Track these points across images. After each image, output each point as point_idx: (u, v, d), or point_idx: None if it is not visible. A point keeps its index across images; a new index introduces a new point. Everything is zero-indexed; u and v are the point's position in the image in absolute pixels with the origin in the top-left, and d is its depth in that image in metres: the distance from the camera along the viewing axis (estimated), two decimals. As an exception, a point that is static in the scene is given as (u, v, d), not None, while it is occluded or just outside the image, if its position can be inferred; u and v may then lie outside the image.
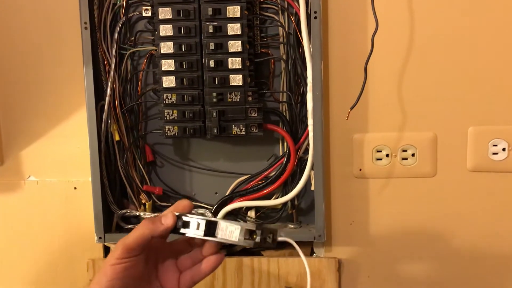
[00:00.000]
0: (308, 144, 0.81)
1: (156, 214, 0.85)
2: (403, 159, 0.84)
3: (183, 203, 0.62)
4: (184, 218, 0.59)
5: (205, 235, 0.58)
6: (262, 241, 0.56)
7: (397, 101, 0.83)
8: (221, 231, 0.58)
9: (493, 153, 0.82)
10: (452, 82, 0.82)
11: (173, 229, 0.60)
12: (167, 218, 0.60)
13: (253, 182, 0.85)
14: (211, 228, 0.58)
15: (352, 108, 0.76)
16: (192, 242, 0.64)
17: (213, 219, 0.59)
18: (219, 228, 0.58)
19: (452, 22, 0.81)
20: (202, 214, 0.59)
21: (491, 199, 0.83)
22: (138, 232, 0.59)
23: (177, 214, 0.60)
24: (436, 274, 0.86)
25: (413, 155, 0.84)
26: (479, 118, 0.82)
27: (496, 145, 0.82)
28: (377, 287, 0.88)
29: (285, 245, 0.87)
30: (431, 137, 0.83)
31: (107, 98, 0.82)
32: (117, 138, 0.83)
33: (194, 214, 0.60)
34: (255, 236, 0.56)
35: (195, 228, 0.59)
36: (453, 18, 0.81)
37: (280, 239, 0.59)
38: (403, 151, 0.84)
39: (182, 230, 0.59)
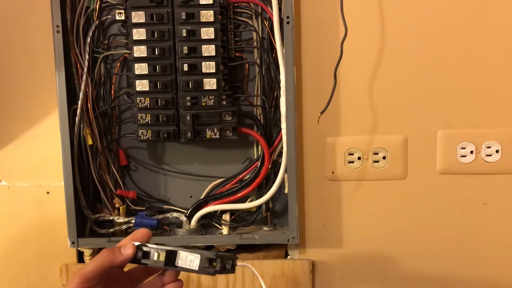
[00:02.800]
0: (282, 147, 0.82)
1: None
2: (375, 161, 0.86)
3: (141, 232, 0.62)
4: (144, 249, 0.59)
5: (165, 265, 0.59)
6: (222, 268, 0.58)
7: (368, 105, 0.84)
8: (181, 260, 0.58)
9: (462, 156, 0.84)
10: (421, 86, 0.83)
11: (133, 259, 0.59)
12: (126, 249, 0.59)
13: (228, 185, 0.85)
14: (171, 258, 0.59)
15: (322, 112, 0.77)
16: (149, 270, 0.64)
17: (172, 248, 0.59)
18: (179, 257, 0.59)
19: (421, 27, 0.83)
20: (159, 243, 0.60)
21: (459, 200, 0.85)
22: (96, 262, 0.58)
23: (136, 244, 0.60)
24: (409, 274, 0.88)
25: (384, 158, 0.85)
26: (447, 122, 0.84)
27: (464, 148, 0.84)
28: (350, 288, 0.89)
29: (259, 247, 0.87)
30: (402, 140, 0.85)
31: (79, 102, 0.81)
32: (90, 142, 0.83)
33: (151, 243, 0.60)
34: (215, 264, 0.58)
35: (155, 258, 0.59)
36: (422, 23, 0.82)
37: (239, 264, 0.60)
38: (375, 154, 0.86)
39: (143, 261, 0.59)
